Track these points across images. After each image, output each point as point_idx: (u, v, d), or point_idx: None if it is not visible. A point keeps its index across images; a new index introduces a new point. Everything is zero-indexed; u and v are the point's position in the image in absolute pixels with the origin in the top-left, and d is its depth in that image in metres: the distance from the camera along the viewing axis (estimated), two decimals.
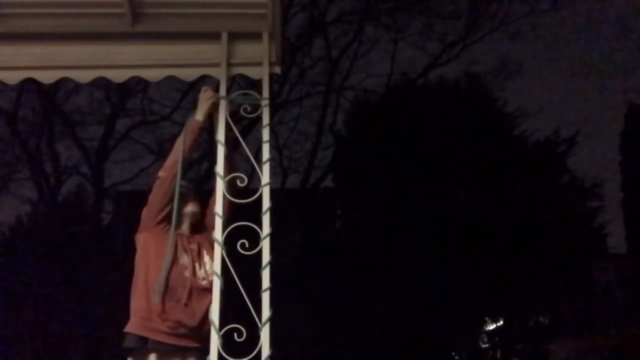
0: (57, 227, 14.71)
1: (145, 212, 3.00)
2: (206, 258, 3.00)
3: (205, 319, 2.81)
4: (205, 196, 3.17)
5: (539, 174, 16.18)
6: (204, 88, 3.11)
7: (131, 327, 2.83)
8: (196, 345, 2.84)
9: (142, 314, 2.82)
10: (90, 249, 13.93)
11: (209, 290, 2.86)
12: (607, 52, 38.71)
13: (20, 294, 13.35)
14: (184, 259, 2.93)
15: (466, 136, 15.08)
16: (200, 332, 2.82)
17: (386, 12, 16.57)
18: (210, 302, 2.78)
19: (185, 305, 2.84)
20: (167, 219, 2.93)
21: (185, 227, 3.08)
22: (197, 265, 2.96)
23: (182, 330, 2.82)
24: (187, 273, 2.90)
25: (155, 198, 2.96)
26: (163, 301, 2.80)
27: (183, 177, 3.04)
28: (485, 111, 16.83)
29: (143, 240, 2.97)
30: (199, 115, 3.03)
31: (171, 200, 2.91)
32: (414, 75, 17.37)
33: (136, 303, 2.86)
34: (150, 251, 2.92)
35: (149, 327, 2.79)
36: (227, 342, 2.51)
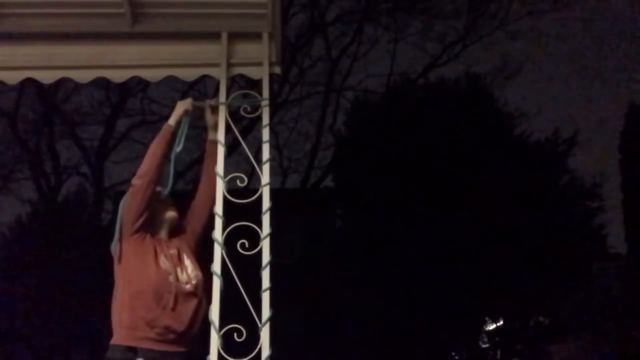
0: (57, 227, 14.68)
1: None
2: (187, 262, 2.97)
3: (192, 323, 2.82)
4: (178, 199, 3.16)
5: (539, 174, 16.16)
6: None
7: (118, 339, 2.80)
8: (185, 349, 2.82)
9: (129, 325, 2.78)
10: (90, 249, 13.89)
11: (193, 294, 2.86)
12: (607, 52, 38.67)
13: (19, 294, 13.31)
14: (166, 265, 2.89)
15: (466, 136, 15.07)
16: (189, 336, 2.82)
17: (386, 12, 16.57)
18: (195, 306, 2.83)
19: (172, 310, 2.81)
20: (144, 227, 2.90)
21: (163, 233, 3.04)
22: (179, 270, 2.91)
23: (170, 336, 2.79)
24: (171, 278, 2.86)
25: (132, 207, 2.91)
26: (150, 309, 2.78)
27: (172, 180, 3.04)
28: (485, 111, 16.81)
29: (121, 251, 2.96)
30: (171, 120, 3.04)
31: (147, 208, 2.88)
32: (414, 75, 17.37)
33: (120, 316, 2.83)
34: (130, 262, 2.89)
35: (137, 337, 2.76)
36: (227, 342, 2.51)
